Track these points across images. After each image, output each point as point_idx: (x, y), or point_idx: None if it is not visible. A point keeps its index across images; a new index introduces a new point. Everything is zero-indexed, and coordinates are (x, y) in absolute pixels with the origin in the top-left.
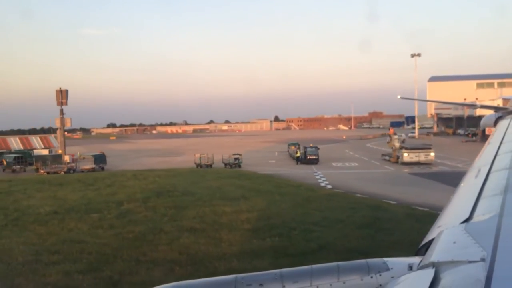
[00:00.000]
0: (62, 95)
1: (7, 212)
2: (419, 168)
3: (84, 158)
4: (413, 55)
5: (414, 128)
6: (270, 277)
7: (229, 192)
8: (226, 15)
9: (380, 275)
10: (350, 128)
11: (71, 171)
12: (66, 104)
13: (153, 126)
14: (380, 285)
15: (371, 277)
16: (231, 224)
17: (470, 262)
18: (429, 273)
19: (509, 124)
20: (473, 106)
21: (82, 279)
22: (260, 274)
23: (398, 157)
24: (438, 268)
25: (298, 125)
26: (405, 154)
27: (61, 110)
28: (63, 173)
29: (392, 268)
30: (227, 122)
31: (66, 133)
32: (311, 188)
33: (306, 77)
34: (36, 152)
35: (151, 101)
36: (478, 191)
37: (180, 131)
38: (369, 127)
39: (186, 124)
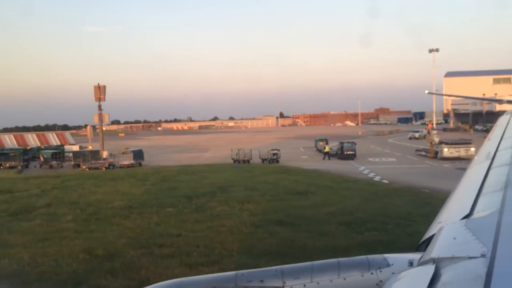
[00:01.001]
0: (100, 91)
1: (80, 206)
2: (461, 163)
3: (123, 153)
4: (431, 50)
5: (425, 124)
6: (271, 274)
7: (290, 187)
8: (229, 11)
9: (380, 271)
10: (357, 124)
11: (111, 167)
12: (104, 99)
13: (158, 123)
14: (381, 281)
15: (372, 273)
16: (316, 218)
17: (470, 258)
18: (430, 269)
19: (509, 119)
20: (498, 101)
21: (210, 272)
22: (261, 270)
23: (436, 152)
24: (438, 264)
25: (304, 121)
26: (445, 149)
27: (99, 106)
28: (104, 168)
29: (392, 264)
30: (231, 118)
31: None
32: (371, 183)
33: (310, 73)
34: (67, 148)
35: (154, 98)
36: (479, 187)
37: (185, 127)
38: (376, 123)
39: (191, 120)
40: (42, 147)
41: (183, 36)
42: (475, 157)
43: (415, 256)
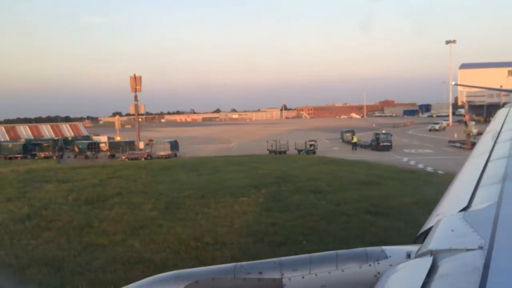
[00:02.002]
0: (136, 81)
1: (151, 196)
2: None
3: (147, 144)
4: (447, 42)
5: (431, 116)
6: (269, 266)
7: (350, 178)
8: (231, 1)
9: (378, 263)
10: (362, 116)
11: (149, 157)
12: (140, 90)
13: (161, 115)
14: (378, 272)
15: (369, 265)
16: (403, 208)
17: (468, 250)
18: (427, 261)
19: (508, 112)
20: None
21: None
22: (259, 262)
23: (473, 144)
24: (436, 256)
25: (309, 114)
26: None
27: (135, 97)
28: (143, 159)
29: (390, 256)
30: (233, 110)
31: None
32: (429, 174)
33: (313, 65)
34: (95, 139)
35: (155, 90)
36: (477, 179)
37: (189, 119)
38: (381, 116)
39: (194, 112)
40: (70, 137)
41: (184, 27)
42: (474, 150)
43: (413, 248)
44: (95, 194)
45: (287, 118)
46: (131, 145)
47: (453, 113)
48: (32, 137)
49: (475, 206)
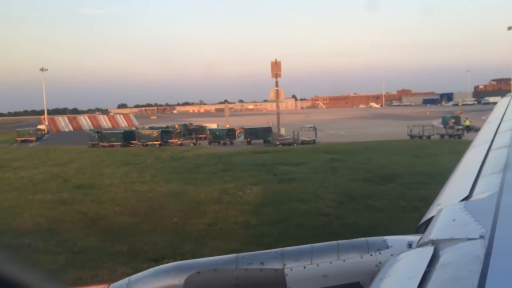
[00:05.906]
0: (277, 67)
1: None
2: None
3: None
4: (509, 28)
5: (456, 104)
6: (271, 256)
7: None
8: None
9: (379, 253)
10: (381, 106)
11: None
12: (280, 75)
13: (172, 106)
14: (380, 262)
15: (371, 255)
16: None
17: (469, 239)
18: (428, 250)
19: (509, 102)
20: None
21: None
22: (261, 253)
23: None
24: (437, 245)
25: (324, 104)
26: None
27: (276, 82)
28: (295, 145)
29: (391, 246)
30: (241, 101)
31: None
32: None
33: (323, 54)
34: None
35: (161, 81)
36: (478, 169)
37: (201, 110)
38: (399, 105)
39: (203, 103)
40: (177, 125)
41: (191, 17)
42: (475, 140)
43: (414, 238)
44: (356, 175)
45: (302, 108)
46: (268, 131)
47: (478, 102)
48: (92, 127)
49: (476, 195)
